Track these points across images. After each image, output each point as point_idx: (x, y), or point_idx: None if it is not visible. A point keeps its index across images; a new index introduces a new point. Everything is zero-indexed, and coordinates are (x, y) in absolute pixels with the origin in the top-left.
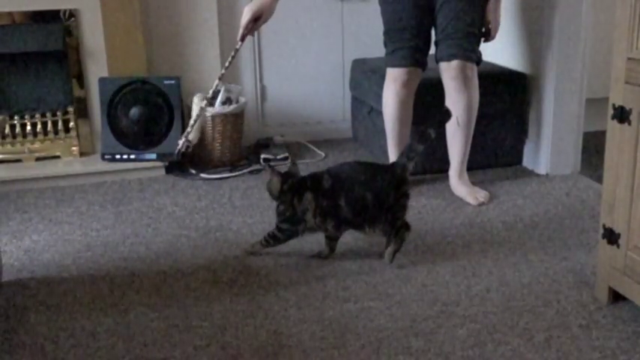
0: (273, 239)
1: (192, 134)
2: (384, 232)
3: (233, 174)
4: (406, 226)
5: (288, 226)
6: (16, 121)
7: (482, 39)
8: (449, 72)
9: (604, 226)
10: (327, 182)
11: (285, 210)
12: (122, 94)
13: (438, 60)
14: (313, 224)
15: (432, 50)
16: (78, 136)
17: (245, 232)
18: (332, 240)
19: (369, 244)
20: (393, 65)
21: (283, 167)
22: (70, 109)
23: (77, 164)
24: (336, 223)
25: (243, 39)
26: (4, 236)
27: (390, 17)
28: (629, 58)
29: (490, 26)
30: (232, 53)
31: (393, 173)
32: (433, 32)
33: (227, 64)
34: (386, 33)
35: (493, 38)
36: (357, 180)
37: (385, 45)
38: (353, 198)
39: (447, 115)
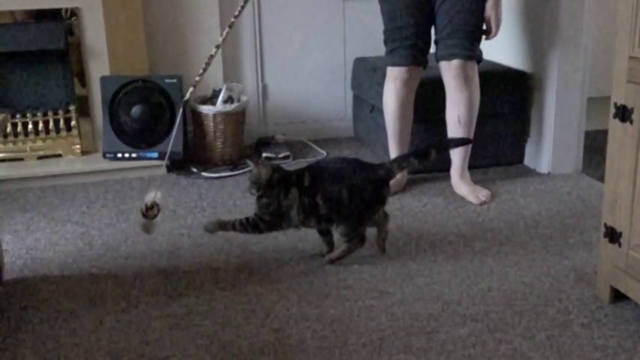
0: (252, 227)
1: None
2: (343, 233)
3: (234, 173)
4: (361, 239)
5: (272, 218)
6: (17, 120)
7: (484, 37)
8: (449, 71)
9: (605, 224)
10: (307, 179)
11: (270, 203)
12: (124, 93)
13: (438, 59)
14: (297, 221)
15: (433, 49)
16: (79, 134)
17: None
18: (324, 235)
19: (370, 243)
20: (394, 64)
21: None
22: (72, 107)
23: (79, 163)
24: (317, 220)
25: None
26: (6, 235)
27: (389, 16)
28: (630, 57)
29: (491, 23)
30: (242, 3)
31: (376, 174)
32: (433, 30)
33: (237, 13)
34: (386, 32)
35: (495, 35)
36: (336, 177)
37: (385, 44)
38: (329, 194)
39: (458, 142)
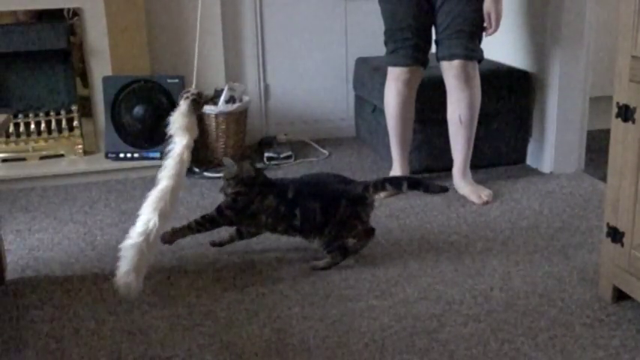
0: (210, 222)
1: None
2: (322, 245)
3: None
4: (343, 251)
5: (234, 214)
6: (20, 120)
7: (484, 33)
8: (450, 71)
9: (608, 224)
10: (291, 193)
11: (240, 200)
12: (126, 93)
13: (439, 59)
14: (262, 223)
15: (434, 48)
16: (82, 134)
17: None
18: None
19: (372, 243)
20: (394, 64)
21: (285, 166)
22: (74, 107)
23: (81, 163)
24: (285, 228)
25: None
26: (8, 235)
27: (390, 17)
28: (633, 57)
29: (491, 18)
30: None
31: (352, 191)
32: (434, 30)
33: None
34: (386, 32)
35: (495, 31)
36: (315, 192)
37: (386, 44)
38: (306, 209)
39: (434, 189)
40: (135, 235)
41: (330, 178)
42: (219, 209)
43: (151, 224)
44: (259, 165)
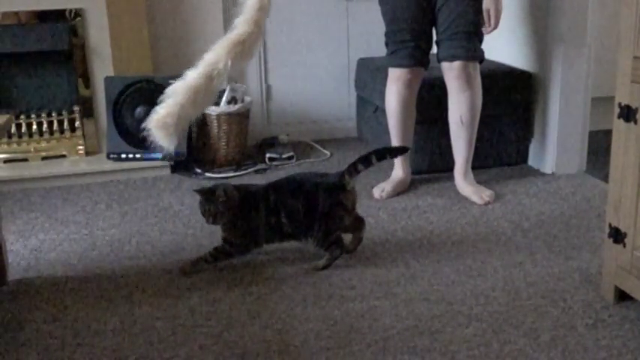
0: (224, 254)
1: None
2: (317, 244)
3: (238, 173)
4: (339, 244)
5: (242, 240)
6: (22, 121)
7: (484, 29)
8: (451, 72)
9: (610, 225)
10: (272, 197)
11: (243, 224)
12: (128, 94)
13: (439, 60)
14: (263, 236)
15: (434, 49)
16: (84, 135)
17: None
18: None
19: (374, 244)
20: (395, 65)
21: (287, 167)
22: (76, 108)
23: (83, 163)
24: (280, 238)
25: None
26: (10, 235)
27: (390, 18)
28: (635, 57)
29: (490, 15)
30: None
31: (327, 181)
32: (434, 31)
33: None
34: (387, 34)
35: (495, 28)
36: (293, 191)
37: (386, 45)
38: (290, 210)
39: (396, 151)
40: (194, 75)
41: (306, 175)
42: (226, 241)
43: (220, 65)
44: (259, 166)
